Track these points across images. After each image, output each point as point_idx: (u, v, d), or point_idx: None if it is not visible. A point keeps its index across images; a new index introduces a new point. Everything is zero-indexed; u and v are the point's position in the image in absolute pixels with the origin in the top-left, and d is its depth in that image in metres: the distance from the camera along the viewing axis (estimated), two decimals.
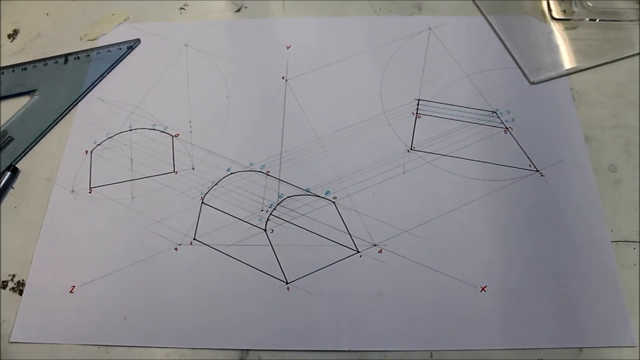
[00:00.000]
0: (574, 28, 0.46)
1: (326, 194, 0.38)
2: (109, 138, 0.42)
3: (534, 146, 0.40)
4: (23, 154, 0.42)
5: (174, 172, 0.40)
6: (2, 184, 0.40)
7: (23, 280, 0.36)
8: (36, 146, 0.42)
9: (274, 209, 0.38)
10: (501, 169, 0.39)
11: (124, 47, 0.47)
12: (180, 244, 0.37)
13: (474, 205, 0.38)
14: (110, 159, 0.41)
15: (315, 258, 0.36)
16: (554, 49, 0.45)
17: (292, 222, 0.37)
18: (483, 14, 0.48)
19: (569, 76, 0.43)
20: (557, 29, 0.46)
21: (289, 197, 0.38)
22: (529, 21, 0.47)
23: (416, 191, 0.38)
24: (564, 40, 0.45)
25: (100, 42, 0.48)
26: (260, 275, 0.36)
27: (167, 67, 0.46)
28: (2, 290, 0.36)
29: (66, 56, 0.47)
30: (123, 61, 0.47)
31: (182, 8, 0.50)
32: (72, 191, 0.40)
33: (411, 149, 0.40)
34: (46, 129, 0.43)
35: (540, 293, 0.34)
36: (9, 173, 0.40)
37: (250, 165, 0.40)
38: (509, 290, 0.34)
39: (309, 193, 0.38)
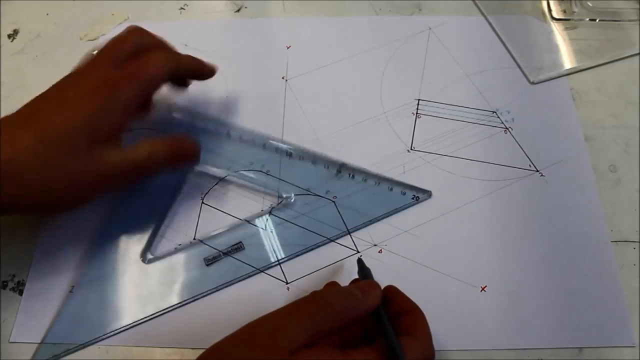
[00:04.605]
0: (574, 28, 0.46)
1: (326, 193, 0.38)
2: None
3: (534, 146, 0.40)
4: None
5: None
6: None
7: (23, 280, 0.36)
8: None
9: (274, 209, 0.38)
10: (501, 169, 0.39)
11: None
12: (180, 244, 0.37)
13: (473, 205, 0.38)
14: None
15: (315, 258, 0.36)
16: (554, 49, 0.45)
17: (292, 222, 0.37)
18: (483, 14, 0.48)
19: (569, 76, 0.43)
20: (557, 29, 0.46)
21: (289, 197, 0.38)
22: (529, 21, 0.47)
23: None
24: (564, 40, 0.45)
25: (100, 42, 0.48)
26: (260, 275, 0.36)
27: None
28: (2, 290, 0.36)
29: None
30: None
31: (182, 8, 0.50)
32: None
33: (411, 149, 0.40)
34: None
35: (540, 293, 0.34)
36: None
37: (251, 165, 0.40)
38: (509, 290, 0.34)
39: (309, 193, 0.38)
